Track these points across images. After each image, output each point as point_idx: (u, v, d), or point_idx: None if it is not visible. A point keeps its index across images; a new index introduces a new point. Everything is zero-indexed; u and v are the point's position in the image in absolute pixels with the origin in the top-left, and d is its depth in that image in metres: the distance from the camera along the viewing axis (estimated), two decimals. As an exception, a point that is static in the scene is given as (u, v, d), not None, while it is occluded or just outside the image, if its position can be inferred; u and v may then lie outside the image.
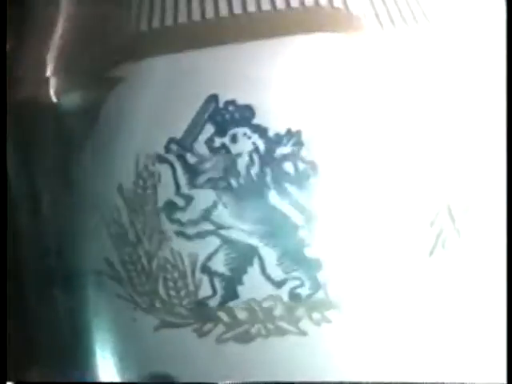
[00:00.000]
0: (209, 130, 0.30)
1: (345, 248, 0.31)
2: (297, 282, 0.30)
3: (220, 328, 0.31)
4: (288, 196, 0.30)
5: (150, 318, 0.31)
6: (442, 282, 0.31)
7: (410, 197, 0.31)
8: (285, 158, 0.30)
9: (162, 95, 0.31)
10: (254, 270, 0.30)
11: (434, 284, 0.31)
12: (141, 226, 0.31)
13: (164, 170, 0.30)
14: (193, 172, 0.30)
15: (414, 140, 0.31)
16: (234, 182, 0.30)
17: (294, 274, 0.30)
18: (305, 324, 0.31)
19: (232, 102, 0.30)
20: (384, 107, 0.31)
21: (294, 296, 0.30)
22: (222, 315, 0.30)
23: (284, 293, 0.30)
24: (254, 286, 0.30)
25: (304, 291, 0.30)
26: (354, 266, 0.31)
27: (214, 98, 0.30)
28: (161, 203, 0.31)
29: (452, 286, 0.31)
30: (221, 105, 0.30)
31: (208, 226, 0.30)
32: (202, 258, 0.31)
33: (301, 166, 0.30)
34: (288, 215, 0.30)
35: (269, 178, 0.30)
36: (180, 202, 0.31)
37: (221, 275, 0.31)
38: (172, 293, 0.31)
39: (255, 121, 0.30)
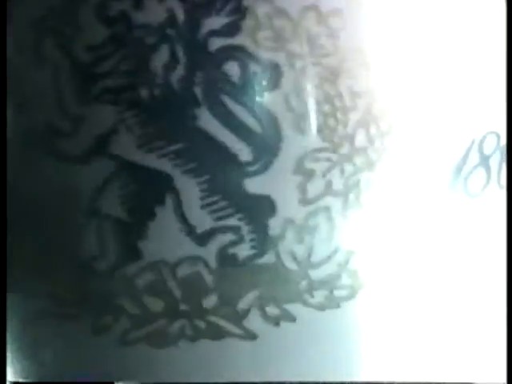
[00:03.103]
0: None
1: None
2: (232, 236, 0.19)
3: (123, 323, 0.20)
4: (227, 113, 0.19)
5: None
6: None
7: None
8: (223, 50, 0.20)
9: None
10: (164, 213, 0.19)
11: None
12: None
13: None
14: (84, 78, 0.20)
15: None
16: (144, 93, 0.19)
17: (229, 221, 0.18)
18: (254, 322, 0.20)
19: None
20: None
21: (225, 258, 0.19)
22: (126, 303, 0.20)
23: (210, 253, 0.19)
24: (163, 240, 0.19)
25: (243, 251, 0.18)
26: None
27: None
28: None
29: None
30: None
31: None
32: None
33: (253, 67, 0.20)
34: (225, 145, 0.20)
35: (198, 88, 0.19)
36: (65, 125, 0.20)
37: (114, 219, 0.19)
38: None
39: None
